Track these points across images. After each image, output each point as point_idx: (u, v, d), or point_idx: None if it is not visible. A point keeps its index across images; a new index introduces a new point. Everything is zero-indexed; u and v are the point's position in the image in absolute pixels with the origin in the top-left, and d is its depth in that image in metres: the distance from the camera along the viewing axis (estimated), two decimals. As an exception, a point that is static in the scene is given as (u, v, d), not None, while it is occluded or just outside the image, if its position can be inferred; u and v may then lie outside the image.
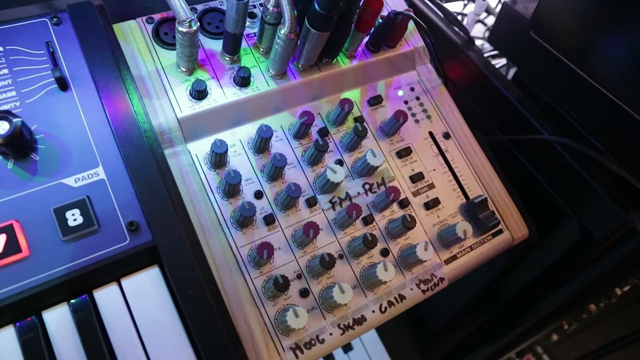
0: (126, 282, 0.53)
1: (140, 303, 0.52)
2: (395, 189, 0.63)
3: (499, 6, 1.13)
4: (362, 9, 0.62)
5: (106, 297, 0.52)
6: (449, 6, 1.07)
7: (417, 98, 0.75)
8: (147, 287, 0.53)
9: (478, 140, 0.75)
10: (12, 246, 0.49)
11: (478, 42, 1.09)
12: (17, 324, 0.49)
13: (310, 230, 0.57)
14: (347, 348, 0.91)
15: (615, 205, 0.66)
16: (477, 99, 0.87)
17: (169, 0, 0.54)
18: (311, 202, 0.63)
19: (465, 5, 1.22)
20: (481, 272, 0.75)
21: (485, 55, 1.05)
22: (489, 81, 0.82)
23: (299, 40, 0.61)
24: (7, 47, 0.56)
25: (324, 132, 0.68)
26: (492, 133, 0.85)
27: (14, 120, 0.49)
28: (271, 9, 0.60)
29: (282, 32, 0.58)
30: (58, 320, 0.51)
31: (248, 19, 0.69)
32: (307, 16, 0.58)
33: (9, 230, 0.50)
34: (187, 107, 0.61)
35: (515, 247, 0.73)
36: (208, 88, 0.62)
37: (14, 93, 0.55)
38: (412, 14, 0.68)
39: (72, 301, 0.51)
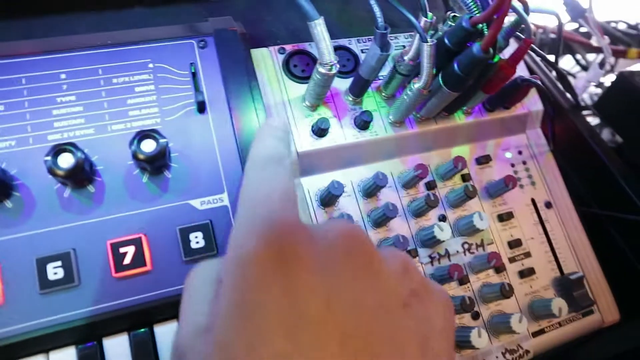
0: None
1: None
2: (497, 255, 0.63)
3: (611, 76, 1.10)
4: (494, 74, 0.62)
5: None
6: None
7: (524, 162, 0.75)
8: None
9: (579, 215, 0.74)
10: (139, 259, 0.52)
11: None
12: (131, 333, 0.52)
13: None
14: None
15: None
16: (577, 166, 0.85)
17: (318, 43, 0.55)
18: (412, 255, 0.64)
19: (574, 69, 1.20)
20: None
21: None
22: (594, 152, 0.81)
23: (428, 95, 0.61)
24: (156, 65, 0.59)
25: (431, 185, 0.68)
26: (587, 204, 0.83)
27: (161, 140, 0.51)
28: (407, 60, 0.61)
29: (415, 85, 0.58)
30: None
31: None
32: (442, 74, 0.59)
33: (137, 243, 0.52)
34: (308, 142, 0.63)
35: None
36: (330, 127, 0.63)
37: (156, 110, 0.57)
38: (539, 82, 0.67)
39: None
